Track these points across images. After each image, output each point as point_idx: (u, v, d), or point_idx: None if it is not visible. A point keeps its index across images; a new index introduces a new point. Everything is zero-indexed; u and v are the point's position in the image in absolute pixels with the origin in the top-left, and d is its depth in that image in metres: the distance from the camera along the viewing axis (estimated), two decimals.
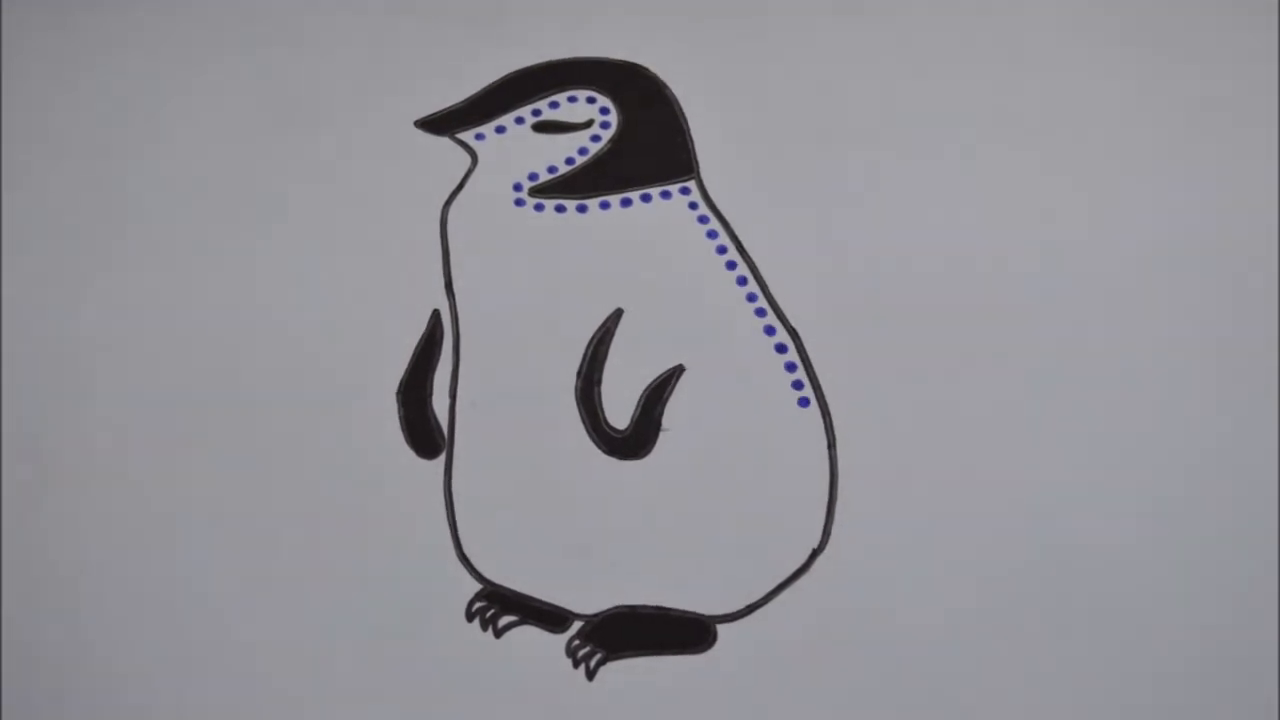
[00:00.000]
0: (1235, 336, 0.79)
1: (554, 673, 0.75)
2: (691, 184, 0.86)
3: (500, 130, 0.88)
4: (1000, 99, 0.87)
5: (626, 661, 0.75)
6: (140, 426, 0.81)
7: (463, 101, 0.89)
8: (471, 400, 0.81)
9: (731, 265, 0.84)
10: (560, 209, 0.85)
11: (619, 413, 0.80)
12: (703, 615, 0.76)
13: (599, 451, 0.79)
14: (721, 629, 0.75)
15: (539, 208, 0.85)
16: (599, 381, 0.80)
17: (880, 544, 0.76)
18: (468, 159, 0.88)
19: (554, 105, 0.88)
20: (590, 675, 0.74)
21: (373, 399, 0.81)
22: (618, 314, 0.82)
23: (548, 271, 0.84)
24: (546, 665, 0.75)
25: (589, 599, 0.77)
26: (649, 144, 0.87)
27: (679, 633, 0.75)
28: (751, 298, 0.82)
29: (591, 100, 0.88)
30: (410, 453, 0.80)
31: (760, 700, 0.73)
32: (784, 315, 0.82)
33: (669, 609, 0.76)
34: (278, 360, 0.82)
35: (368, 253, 0.86)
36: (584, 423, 0.80)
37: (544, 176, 0.86)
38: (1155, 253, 0.82)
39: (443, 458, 0.80)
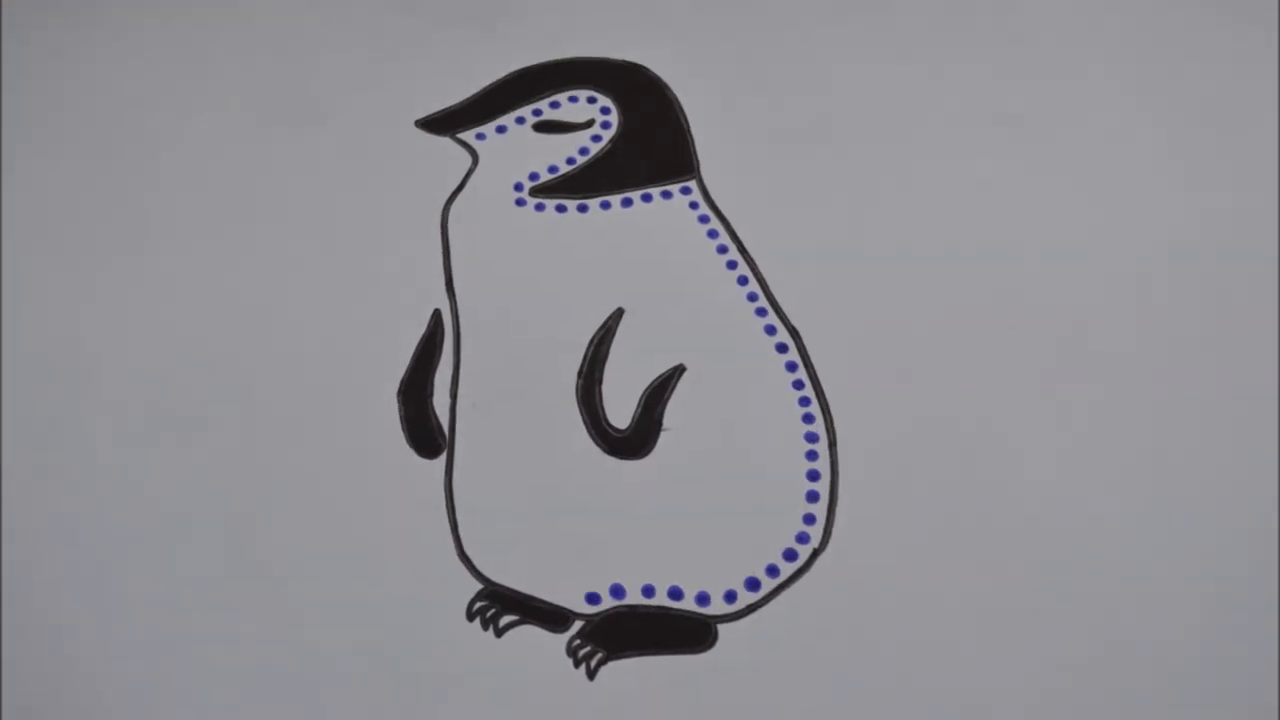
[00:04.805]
0: (1237, 337, 0.79)
1: (554, 673, 0.75)
2: (692, 184, 0.86)
3: (501, 130, 0.88)
4: (1001, 99, 0.87)
5: (627, 661, 0.75)
6: (139, 425, 0.81)
7: (463, 101, 0.90)
8: (472, 400, 0.81)
9: (732, 265, 0.84)
10: (561, 209, 0.85)
11: (619, 413, 0.80)
12: (703, 615, 0.76)
13: (599, 451, 0.79)
14: (721, 629, 0.75)
15: (539, 207, 0.85)
16: (600, 381, 0.80)
17: (880, 544, 0.76)
18: (468, 159, 0.88)
19: (554, 105, 0.89)
20: (591, 675, 0.74)
21: (373, 399, 0.81)
22: (618, 314, 0.82)
23: (548, 271, 0.84)
24: (547, 665, 0.75)
25: (589, 599, 0.77)
26: (649, 144, 0.87)
27: (679, 633, 0.75)
28: (752, 297, 0.83)
29: (592, 100, 0.89)
30: (410, 453, 0.80)
31: (760, 700, 0.73)
32: (784, 315, 0.82)
33: (669, 609, 0.76)
34: (278, 360, 0.82)
35: (368, 253, 0.86)
36: (584, 423, 0.80)
37: (544, 176, 0.86)
38: (1156, 252, 0.82)
39: (443, 458, 0.80)
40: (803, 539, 0.76)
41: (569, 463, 0.79)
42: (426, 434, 0.80)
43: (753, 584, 0.76)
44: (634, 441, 0.79)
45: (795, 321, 0.82)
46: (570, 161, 0.87)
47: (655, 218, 0.85)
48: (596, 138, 0.87)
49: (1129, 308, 0.81)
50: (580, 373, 0.81)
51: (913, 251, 0.83)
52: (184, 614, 0.76)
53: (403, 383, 0.82)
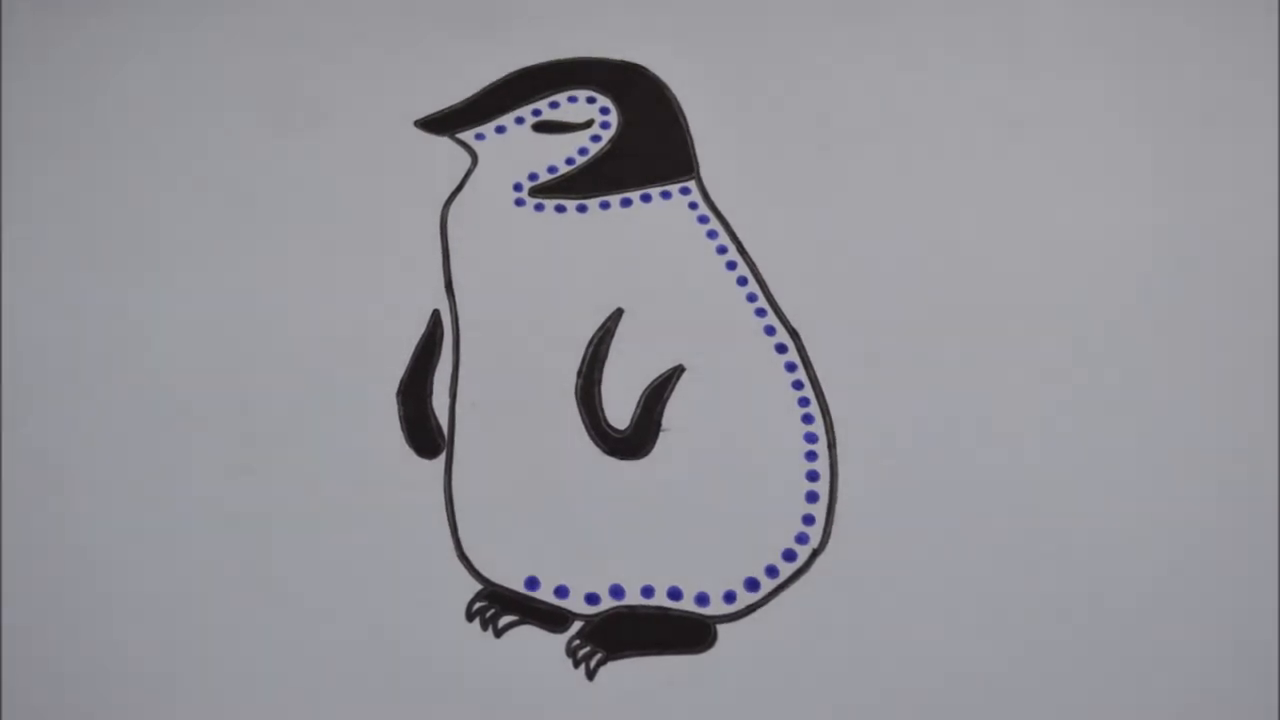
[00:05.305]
0: (1237, 337, 0.79)
1: (554, 673, 0.75)
2: (691, 184, 0.86)
3: (500, 130, 0.88)
4: (1000, 99, 0.87)
5: (626, 661, 0.75)
6: (139, 425, 0.81)
7: (463, 101, 0.90)
8: (472, 400, 0.81)
9: (731, 265, 0.84)
10: (560, 209, 0.85)
11: (619, 413, 0.80)
12: (703, 615, 0.76)
13: (599, 451, 0.79)
14: (721, 629, 0.75)
15: (539, 208, 0.85)
16: (599, 381, 0.80)
17: (880, 544, 0.76)
18: (468, 159, 0.88)
19: (554, 105, 0.89)
20: (590, 675, 0.74)
21: (373, 399, 0.81)
22: (618, 314, 0.82)
23: (548, 271, 0.84)
24: (546, 665, 0.75)
25: (588, 599, 0.77)
26: (649, 144, 0.87)
27: (679, 633, 0.75)
28: (752, 298, 0.83)
29: (591, 100, 0.89)
30: (410, 453, 0.80)
31: (760, 700, 0.73)
32: (784, 315, 0.82)
33: (669, 609, 0.76)
34: (277, 360, 0.82)
35: (368, 253, 0.86)
36: (584, 423, 0.80)
37: (544, 176, 0.86)
38: (1156, 252, 0.82)
39: (443, 458, 0.80)
40: (802, 539, 0.76)
41: (568, 463, 0.79)
42: (426, 434, 0.80)
43: (752, 584, 0.76)
44: (633, 442, 0.79)
45: (795, 321, 0.82)
46: (570, 162, 0.87)
47: (655, 218, 0.85)
48: (596, 138, 0.87)
49: (1129, 308, 0.81)
50: (579, 373, 0.81)
51: (913, 252, 0.83)
52: (182, 614, 0.76)
53: (402, 383, 0.82)
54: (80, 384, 0.82)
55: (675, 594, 0.76)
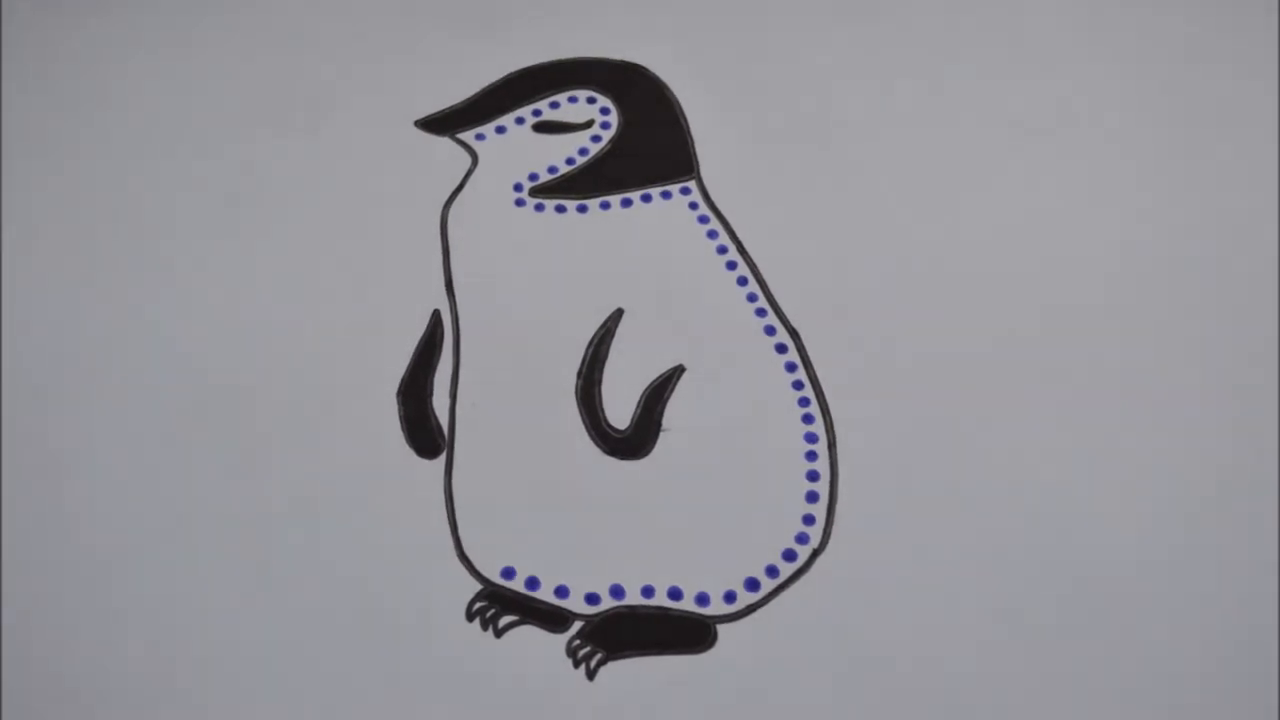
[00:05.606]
0: (1238, 337, 0.79)
1: (554, 673, 0.75)
2: (691, 184, 0.86)
3: (500, 130, 0.88)
4: (1000, 99, 0.87)
5: (626, 662, 0.75)
6: (139, 426, 0.81)
7: (463, 101, 0.90)
8: (472, 400, 0.81)
9: (732, 265, 0.84)
10: (560, 209, 0.85)
11: (619, 413, 0.80)
12: (703, 615, 0.76)
13: (599, 451, 0.79)
14: (721, 629, 0.75)
15: (539, 208, 0.85)
16: (599, 381, 0.80)
17: (880, 544, 0.76)
18: (468, 159, 0.88)
19: (554, 105, 0.89)
20: (590, 675, 0.74)
21: (373, 399, 0.81)
22: (618, 314, 0.82)
23: (548, 271, 0.84)
24: (546, 665, 0.75)
25: (589, 599, 0.77)
26: (649, 144, 0.88)
27: (679, 633, 0.75)
28: (752, 298, 0.83)
29: (592, 100, 0.89)
30: (410, 453, 0.80)
31: (760, 700, 0.73)
32: (784, 315, 0.82)
33: (669, 609, 0.76)
34: (277, 360, 0.82)
35: (368, 253, 0.86)
36: (584, 423, 0.80)
37: (544, 177, 0.86)
38: (1156, 252, 0.82)
39: (443, 458, 0.80)
40: (802, 539, 0.76)
41: (568, 463, 0.79)
42: (426, 434, 0.80)
43: (752, 584, 0.76)
44: (634, 442, 0.79)
45: (795, 321, 0.82)
46: (570, 162, 0.87)
47: (655, 218, 0.85)
48: (596, 138, 0.87)
49: (1130, 308, 0.81)
50: (580, 373, 0.81)
51: (913, 252, 0.83)
52: (183, 615, 0.76)
53: (402, 383, 0.82)
54: (80, 384, 0.82)
55: (675, 594, 0.76)
